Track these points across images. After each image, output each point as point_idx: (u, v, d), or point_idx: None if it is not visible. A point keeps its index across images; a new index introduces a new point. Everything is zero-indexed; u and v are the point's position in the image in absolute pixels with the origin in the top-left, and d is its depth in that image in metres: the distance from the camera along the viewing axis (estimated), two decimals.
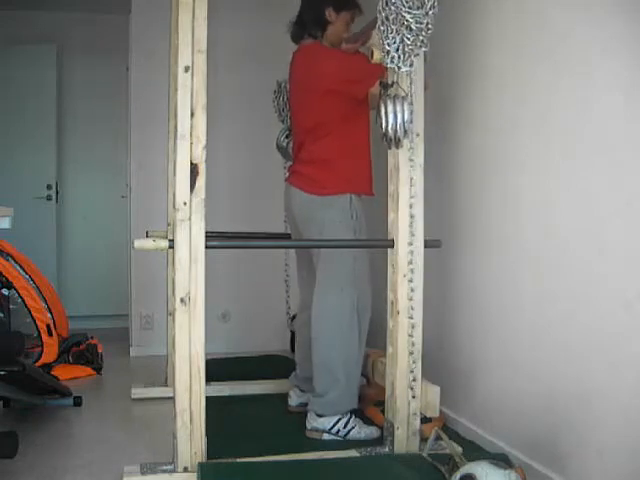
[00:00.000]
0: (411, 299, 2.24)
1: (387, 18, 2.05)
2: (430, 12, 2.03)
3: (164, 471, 2.09)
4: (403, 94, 2.17)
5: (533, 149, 2.24)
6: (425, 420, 2.35)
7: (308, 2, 2.71)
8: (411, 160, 2.18)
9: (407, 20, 2.02)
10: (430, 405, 2.26)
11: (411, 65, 2.08)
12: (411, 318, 2.23)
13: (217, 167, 2.76)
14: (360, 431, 2.55)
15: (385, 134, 2.19)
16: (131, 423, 2.84)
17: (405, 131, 2.16)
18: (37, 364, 3.22)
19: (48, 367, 3.36)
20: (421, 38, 2.05)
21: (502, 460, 1.95)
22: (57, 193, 5.19)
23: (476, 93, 2.62)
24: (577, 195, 2.01)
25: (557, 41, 2.11)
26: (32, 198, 5.05)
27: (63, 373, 3.43)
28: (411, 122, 2.17)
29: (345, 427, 2.54)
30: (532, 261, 2.24)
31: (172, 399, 2.10)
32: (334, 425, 2.53)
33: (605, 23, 1.88)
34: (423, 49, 2.09)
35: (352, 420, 2.56)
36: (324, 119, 2.59)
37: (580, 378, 1.97)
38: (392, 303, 2.29)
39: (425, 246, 2.27)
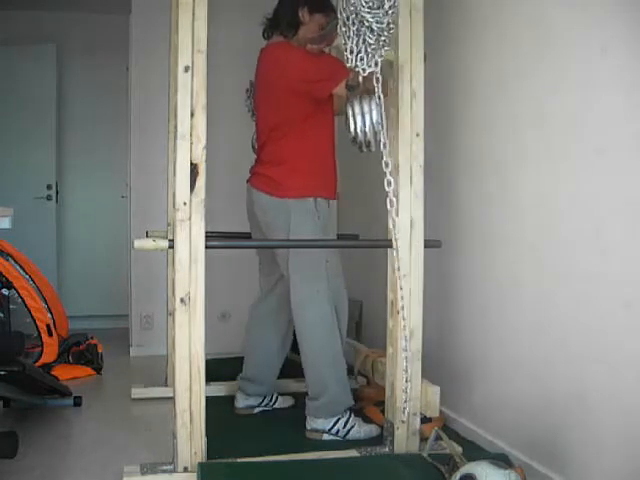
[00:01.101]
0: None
1: (347, 19, 2.01)
2: (390, 11, 1.98)
3: (164, 471, 2.10)
4: (372, 95, 2.12)
5: (533, 149, 2.24)
6: (425, 420, 2.35)
7: (283, 1, 2.69)
8: (386, 165, 2.11)
9: (367, 20, 1.97)
10: (430, 405, 2.26)
11: (376, 65, 2.04)
12: (404, 318, 2.23)
13: (217, 167, 2.76)
14: (360, 430, 2.55)
15: (355, 137, 2.17)
16: (131, 423, 2.84)
17: (375, 133, 2.14)
18: (37, 364, 3.22)
19: (48, 367, 3.36)
20: (383, 38, 2.01)
21: (502, 460, 1.95)
22: (57, 193, 5.19)
23: (476, 93, 2.62)
24: (577, 195, 2.01)
25: (557, 41, 2.10)
26: (32, 198, 5.05)
27: (63, 373, 3.43)
28: (380, 123, 2.13)
29: (345, 427, 2.54)
30: (532, 261, 2.24)
31: (172, 399, 2.10)
32: (334, 425, 2.54)
33: (605, 23, 1.88)
34: (386, 49, 2.05)
35: (351, 419, 2.56)
36: (287, 118, 2.56)
37: (580, 378, 1.97)
38: (392, 303, 2.29)
39: (425, 246, 2.27)
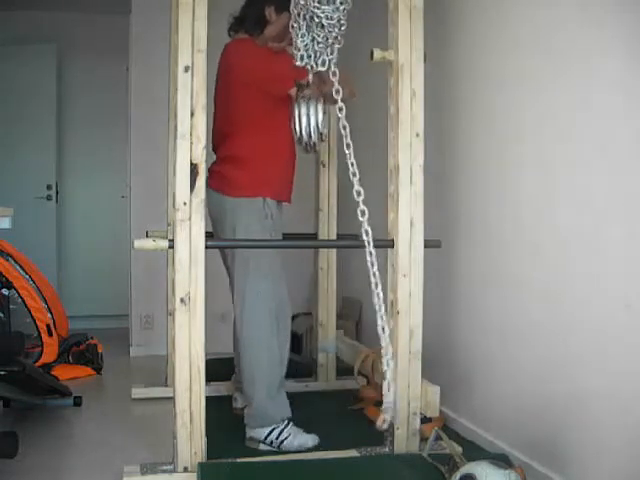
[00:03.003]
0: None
1: (298, 15, 2.03)
2: (341, 7, 1.98)
3: (164, 471, 2.10)
4: (320, 95, 2.17)
5: (533, 149, 2.24)
6: (425, 420, 2.35)
7: None
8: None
9: (317, 16, 1.98)
10: (430, 405, 2.26)
11: (323, 64, 2.05)
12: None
13: None
14: (293, 440, 2.47)
15: (300, 138, 2.21)
16: (131, 423, 2.85)
17: (320, 134, 2.18)
18: (37, 364, 3.22)
19: (48, 367, 3.36)
20: (334, 35, 2.01)
21: (502, 460, 1.95)
22: (57, 193, 5.19)
23: (476, 93, 2.62)
24: (577, 195, 2.01)
25: (557, 41, 2.11)
26: (32, 198, 5.05)
27: (63, 373, 3.43)
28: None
29: (278, 437, 2.47)
30: (532, 261, 2.24)
31: (172, 399, 2.10)
32: (268, 435, 2.47)
33: (605, 23, 1.89)
34: (337, 46, 2.04)
35: (287, 430, 2.49)
36: (244, 112, 2.53)
37: (580, 378, 1.97)
38: (392, 303, 2.29)
39: (425, 246, 2.27)
